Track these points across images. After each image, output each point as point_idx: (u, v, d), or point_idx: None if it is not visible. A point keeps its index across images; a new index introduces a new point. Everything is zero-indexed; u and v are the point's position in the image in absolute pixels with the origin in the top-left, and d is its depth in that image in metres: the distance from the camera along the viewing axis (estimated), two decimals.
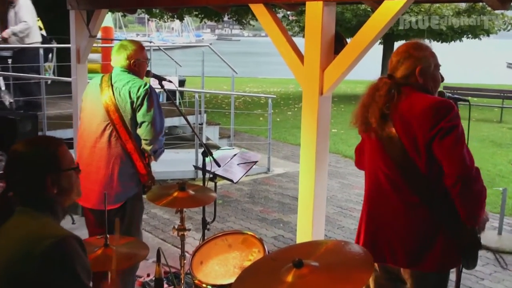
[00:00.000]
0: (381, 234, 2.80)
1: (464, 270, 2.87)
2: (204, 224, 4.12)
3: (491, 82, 26.33)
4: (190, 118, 9.13)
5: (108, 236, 2.57)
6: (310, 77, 3.49)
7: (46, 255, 1.80)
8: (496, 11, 18.11)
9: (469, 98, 3.24)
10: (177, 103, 10.72)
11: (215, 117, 13.06)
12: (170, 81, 4.12)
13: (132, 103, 3.63)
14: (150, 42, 14.72)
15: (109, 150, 3.69)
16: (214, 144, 9.61)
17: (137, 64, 3.78)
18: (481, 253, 5.53)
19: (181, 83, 12.76)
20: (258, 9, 3.73)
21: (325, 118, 3.59)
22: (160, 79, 3.99)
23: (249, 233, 3.17)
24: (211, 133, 10.28)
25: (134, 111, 3.64)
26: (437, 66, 2.80)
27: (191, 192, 3.24)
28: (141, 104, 3.61)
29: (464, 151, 2.53)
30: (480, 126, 13.51)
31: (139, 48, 3.83)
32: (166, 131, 10.86)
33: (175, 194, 3.20)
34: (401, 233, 2.71)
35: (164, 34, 62.41)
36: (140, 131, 3.65)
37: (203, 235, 4.12)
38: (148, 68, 3.98)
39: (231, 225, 6.28)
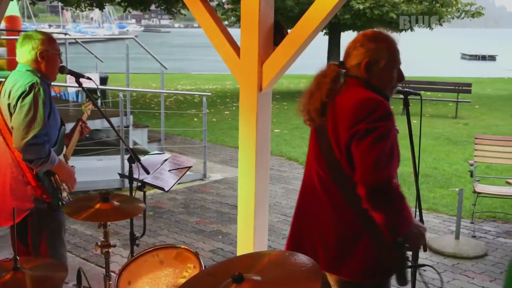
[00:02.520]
0: (306, 233, 2.89)
1: (420, 278, 2.97)
2: (133, 239, 4.08)
3: (444, 75, 27.29)
4: (114, 120, 8.99)
5: (18, 258, 2.50)
6: (247, 72, 3.53)
7: None
8: None
9: (422, 92, 3.35)
10: (99, 104, 10.54)
11: (143, 119, 12.95)
12: (89, 78, 4.05)
13: (9, 105, 3.51)
14: (65, 34, 14.40)
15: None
16: (143, 149, 9.51)
17: (44, 56, 3.65)
18: (438, 259, 5.83)
19: (103, 80, 12.55)
20: None
21: (265, 116, 3.63)
22: (77, 76, 3.90)
23: (183, 247, 3.16)
24: (138, 137, 10.18)
25: (11, 114, 3.52)
26: (393, 62, 2.79)
27: (116, 203, 3.19)
28: (15, 105, 3.47)
29: (379, 156, 2.52)
30: (434, 123, 13.96)
31: (47, 38, 3.72)
32: (87, 135, 10.68)
33: (97, 206, 3.13)
34: (324, 235, 2.79)
35: (82, 25, 61.27)
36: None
37: (132, 251, 4.08)
38: (63, 64, 3.88)
39: (163, 239, 6.23)
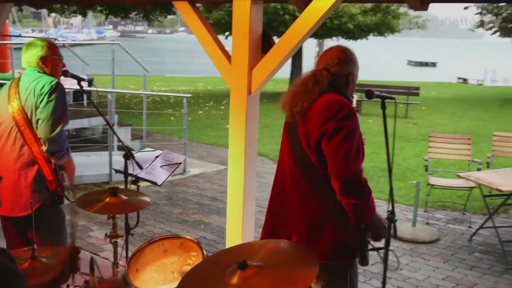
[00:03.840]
0: (281, 220, 2.93)
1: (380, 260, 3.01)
2: (128, 229, 4.05)
3: (395, 79, 27.72)
4: (101, 119, 8.89)
5: (35, 247, 2.46)
6: (238, 77, 3.52)
7: None
8: (399, 11, 19.12)
9: None
10: (85, 104, 10.37)
11: (124, 118, 12.79)
12: (89, 81, 4.00)
13: (36, 101, 3.50)
14: (55, 39, 14.11)
15: (15, 154, 3.56)
16: (127, 146, 9.40)
17: (46, 61, 3.66)
18: (397, 244, 5.93)
19: (89, 82, 12.34)
20: (183, 7, 3.72)
21: (254, 117, 3.64)
22: (79, 79, 3.87)
23: (187, 237, 3.14)
24: (122, 134, 10.04)
25: (36, 109, 3.51)
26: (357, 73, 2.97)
27: (124, 197, 3.16)
28: (42, 101, 3.48)
29: (348, 152, 2.60)
30: (388, 122, 14.03)
31: (49, 45, 3.72)
32: (74, 133, 10.51)
33: (107, 199, 3.11)
34: (296, 220, 2.84)
35: (63, 31, 60.01)
36: (37, 130, 3.52)
37: (127, 240, 4.05)
38: (66, 68, 3.85)
39: (151, 229, 6.18)
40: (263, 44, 3.55)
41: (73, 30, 62.86)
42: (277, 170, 3.04)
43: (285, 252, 2.33)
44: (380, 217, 2.81)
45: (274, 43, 3.55)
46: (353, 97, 3.49)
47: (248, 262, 2.07)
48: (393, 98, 3.23)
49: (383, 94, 3.11)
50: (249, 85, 3.50)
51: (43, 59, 3.64)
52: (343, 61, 2.86)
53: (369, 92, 3.00)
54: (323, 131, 2.64)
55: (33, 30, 56.99)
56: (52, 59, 3.69)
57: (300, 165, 2.79)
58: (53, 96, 3.48)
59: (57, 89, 3.51)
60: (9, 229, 3.75)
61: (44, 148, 3.51)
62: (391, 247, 2.93)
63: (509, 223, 6.67)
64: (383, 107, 3.12)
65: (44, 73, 3.64)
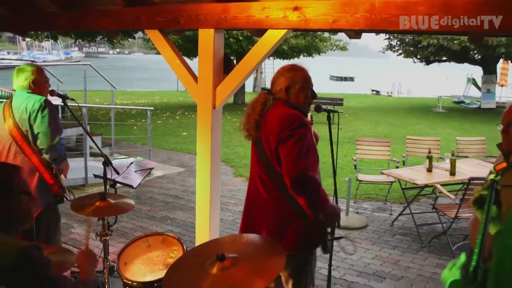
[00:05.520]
0: (254, 221, 2.92)
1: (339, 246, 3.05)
2: (108, 227, 3.92)
3: (320, 91, 28.22)
4: (74, 130, 8.62)
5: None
6: (204, 94, 3.48)
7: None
8: (325, 35, 19.50)
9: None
10: (60, 117, 10.01)
11: (94, 128, 12.44)
12: (73, 99, 3.89)
13: (29, 118, 3.49)
14: (33, 60, 13.58)
15: None
16: (98, 153, 9.13)
17: (36, 83, 3.65)
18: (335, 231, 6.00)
19: (66, 98, 11.90)
20: (154, 35, 3.64)
21: (218, 128, 3.60)
22: (63, 97, 3.77)
23: (168, 233, 3.07)
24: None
25: (31, 125, 3.50)
26: (306, 85, 2.87)
27: (111, 201, 3.06)
28: (36, 117, 3.48)
29: (298, 154, 2.60)
30: (318, 128, 14.27)
31: (37, 69, 3.72)
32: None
33: (97, 203, 3.01)
34: (266, 220, 2.84)
35: (35, 52, 57.75)
36: (38, 142, 3.52)
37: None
38: (52, 88, 3.77)
39: (124, 225, 6.01)
40: (225, 66, 3.52)
41: (44, 52, 60.51)
42: (249, 180, 3.02)
43: (256, 244, 2.31)
44: (334, 205, 2.81)
45: (234, 65, 3.53)
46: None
47: (225, 255, 2.05)
48: (337, 112, 3.28)
49: (329, 108, 3.16)
50: (213, 101, 3.47)
51: (34, 82, 3.64)
52: (276, 79, 2.86)
53: (318, 106, 3.03)
54: (280, 138, 2.66)
55: (8, 53, 54.84)
56: (40, 81, 3.70)
57: (268, 171, 2.79)
58: (45, 112, 3.48)
59: (46, 105, 3.52)
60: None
61: (47, 156, 3.49)
62: (345, 234, 3.01)
63: (422, 210, 6.89)
64: (329, 118, 3.16)
65: (33, 92, 3.60)
